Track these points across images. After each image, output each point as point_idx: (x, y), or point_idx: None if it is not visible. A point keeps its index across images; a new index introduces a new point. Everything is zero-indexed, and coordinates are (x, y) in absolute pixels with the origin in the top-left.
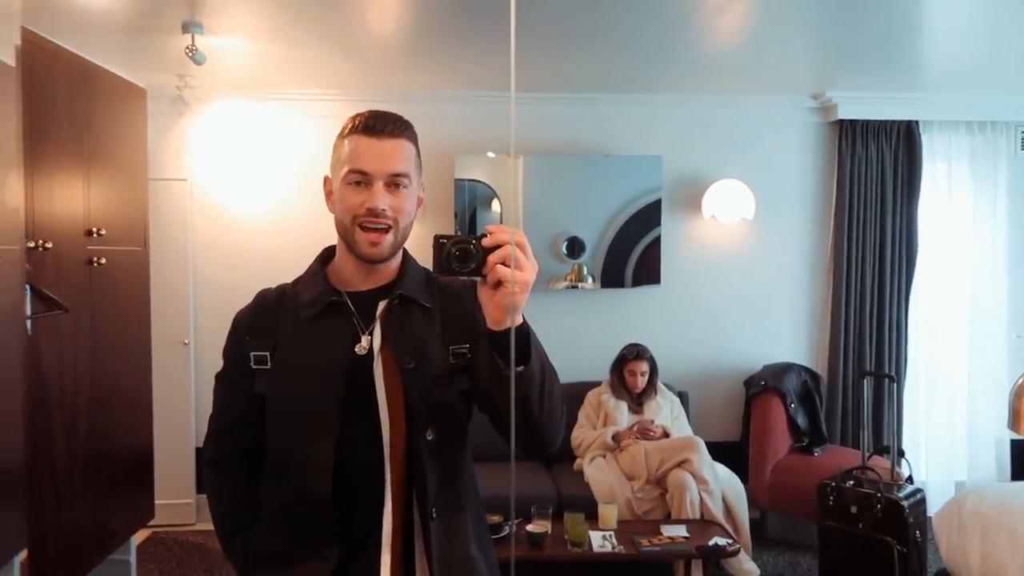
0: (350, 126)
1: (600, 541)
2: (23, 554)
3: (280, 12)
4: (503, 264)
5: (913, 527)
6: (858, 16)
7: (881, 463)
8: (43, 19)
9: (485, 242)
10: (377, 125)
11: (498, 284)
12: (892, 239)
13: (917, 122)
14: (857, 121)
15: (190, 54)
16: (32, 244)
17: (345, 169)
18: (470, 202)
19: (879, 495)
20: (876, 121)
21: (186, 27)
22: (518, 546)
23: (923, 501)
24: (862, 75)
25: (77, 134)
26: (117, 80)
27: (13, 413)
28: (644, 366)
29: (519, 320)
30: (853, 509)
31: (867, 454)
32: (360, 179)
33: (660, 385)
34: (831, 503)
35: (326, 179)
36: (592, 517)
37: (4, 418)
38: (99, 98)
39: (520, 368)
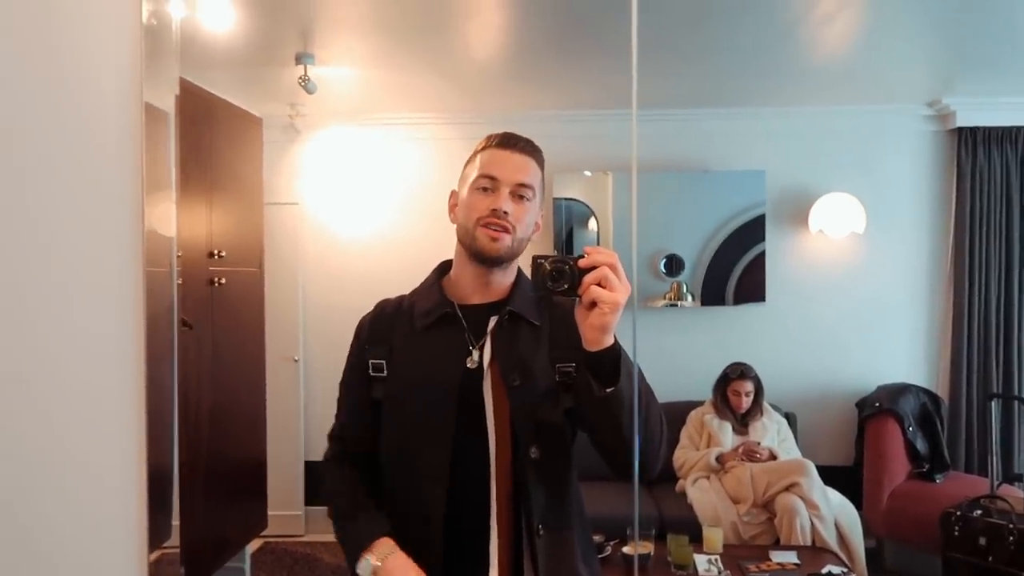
0: (484, 143)
1: (706, 565)
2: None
3: (386, 39)
4: (598, 285)
5: None
6: (978, 16)
7: (1012, 492)
8: None
9: (581, 263)
10: (512, 141)
11: (593, 305)
12: (1020, 251)
13: None
14: (978, 128)
15: (303, 84)
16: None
17: (475, 175)
18: (567, 221)
19: (1012, 526)
20: (999, 128)
21: (299, 58)
22: (615, 569)
23: None
24: (983, 79)
25: (201, 162)
26: (236, 111)
27: (166, 425)
28: (749, 386)
29: (611, 341)
30: (982, 541)
31: (996, 482)
32: (488, 184)
33: (766, 406)
34: (957, 533)
35: (453, 192)
36: (695, 540)
37: (160, 430)
38: (221, 128)
39: (611, 389)
